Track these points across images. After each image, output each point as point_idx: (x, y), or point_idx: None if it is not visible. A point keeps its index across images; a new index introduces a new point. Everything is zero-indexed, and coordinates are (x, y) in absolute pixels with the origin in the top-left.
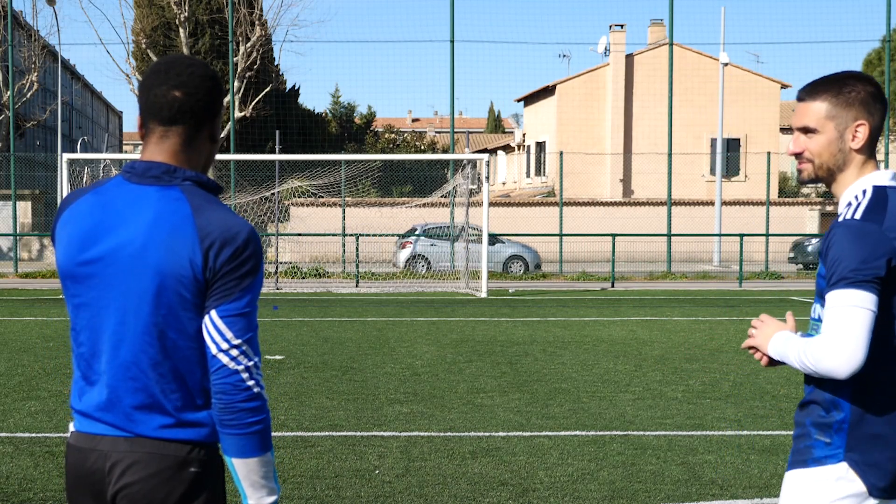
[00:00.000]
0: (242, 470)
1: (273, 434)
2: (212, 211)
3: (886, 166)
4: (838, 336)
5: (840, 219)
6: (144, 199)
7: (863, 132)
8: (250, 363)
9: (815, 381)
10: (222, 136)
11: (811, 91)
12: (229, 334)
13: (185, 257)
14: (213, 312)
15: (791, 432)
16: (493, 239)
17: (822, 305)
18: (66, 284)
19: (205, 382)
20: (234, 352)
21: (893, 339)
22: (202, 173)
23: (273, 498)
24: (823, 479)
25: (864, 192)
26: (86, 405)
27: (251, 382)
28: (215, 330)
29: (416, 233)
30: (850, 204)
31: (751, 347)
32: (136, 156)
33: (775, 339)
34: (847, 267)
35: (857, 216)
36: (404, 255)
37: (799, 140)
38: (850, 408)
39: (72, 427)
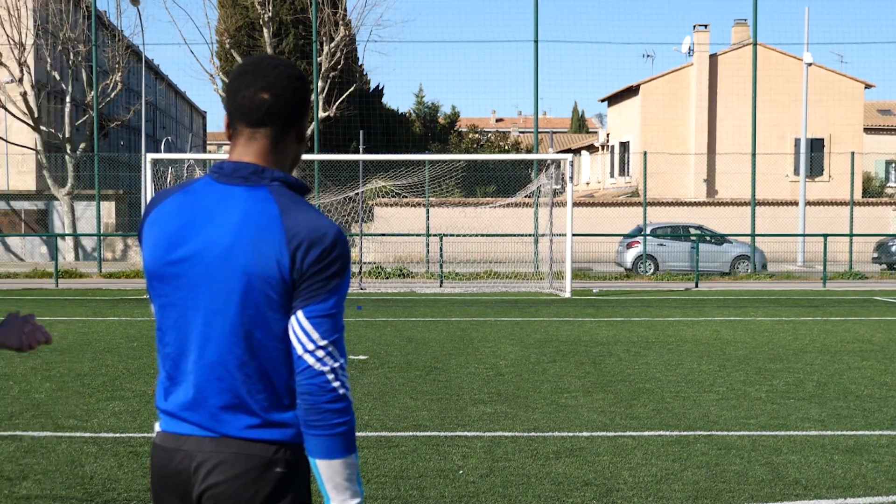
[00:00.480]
0: (326, 472)
1: (357, 434)
2: (299, 211)
3: None
4: None
5: None
6: (232, 200)
7: None
8: (336, 364)
9: None
10: (307, 135)
11: None
12: (315, 335)
13: (273, 258)
14: (300, 313)
15: (875, 432)
16: (721, 239)
17: None
18: (153, 284)
19: (291, 383)
20: (320, 353)
21: None
22: (290, 173)
23: (356, 500)
24: None
25: None
26: (171, 405)
27: (336, 384)
28: (301, 331)
29: (643, 232)
30: None
31: None
32: (220, 156)
33: None
34: None
35: None
36: (631, 255)
37: None
38: None
39: (157, 427)
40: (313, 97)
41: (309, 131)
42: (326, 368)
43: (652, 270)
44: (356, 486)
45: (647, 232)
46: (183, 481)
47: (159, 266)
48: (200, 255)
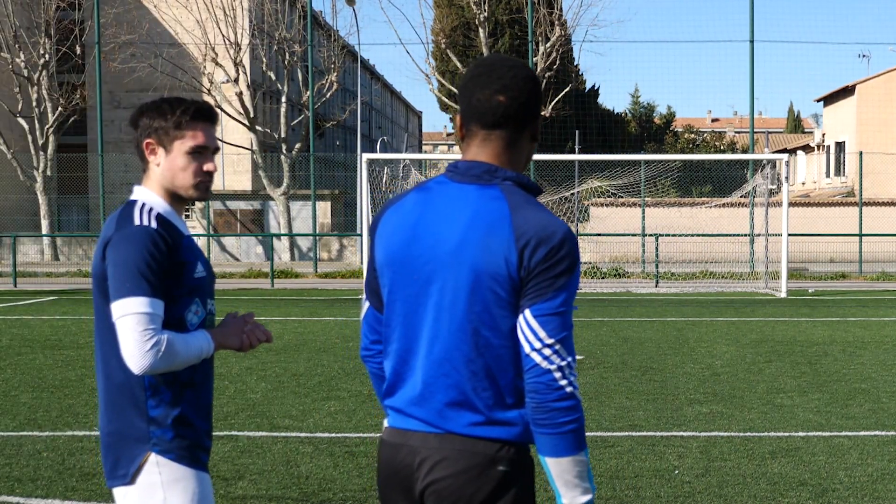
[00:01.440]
0: (556, 469)
1: None
2: (529, 210)
3: None
4: None
5: None
6: (464, 198)
7: None
8: (563, 363)
9: None
10: None
11: None
12: (542, 333)
13: (501, 255)
14: (528, 311)
15: None
16: None
17: None
18: (384, 278)
19: (517, 382)
20: (547, 351)
21: None
22: (522, 172)
23: (587, 497)
24: None
25: None
26: (398, 400)
27: (564, 382)
28: (529, 329)
29: None
30: None
31: None
32: (435, 156)
33: None
34: None
35: None
36: None
37: None
38: None
39: (385, 423)
40: None
41: None
42: (553, 367)
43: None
44: (586, 482)
45: None
46: (406, 476)
47: (392, 261)
48: (431, 252)
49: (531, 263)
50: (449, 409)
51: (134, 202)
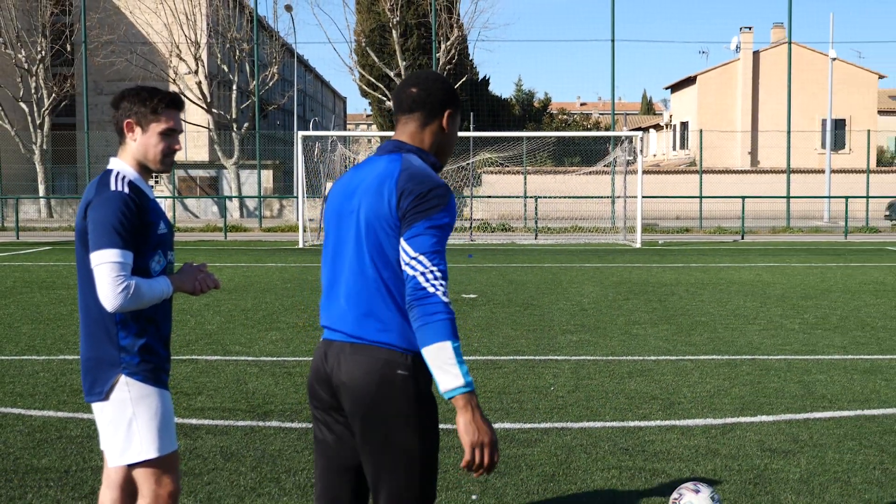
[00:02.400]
0: (429, 357)
1: (467, 358)
2: (415, 170)
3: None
4: None
5: None
6: (376, 165)
7: None
8: (425, 269)
9: None
10: None
11: None
12: (410, 250)
13: (385, 201)
14: (402, 239)
15: (887, 356)
16: None
17: None
18: (327, 230)
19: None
20: (413, 262)
21: None
22: (430, 153)
23: (460, 381)
24: None
25: None
26: (327, 319)
27: (426, 283)
28: (402, 250)
29: None
30: None
31: None
32: (359, 133)
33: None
34: None
35: None
36: None
37: None
38: None
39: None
40: None
41: None
42: (417, 272)
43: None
44: (458, 369)
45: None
46: (326, 374)
47: (328, 213)
48: (347, 204)
49: (405, 205)
50: (359, 320)
51: (110, 171)
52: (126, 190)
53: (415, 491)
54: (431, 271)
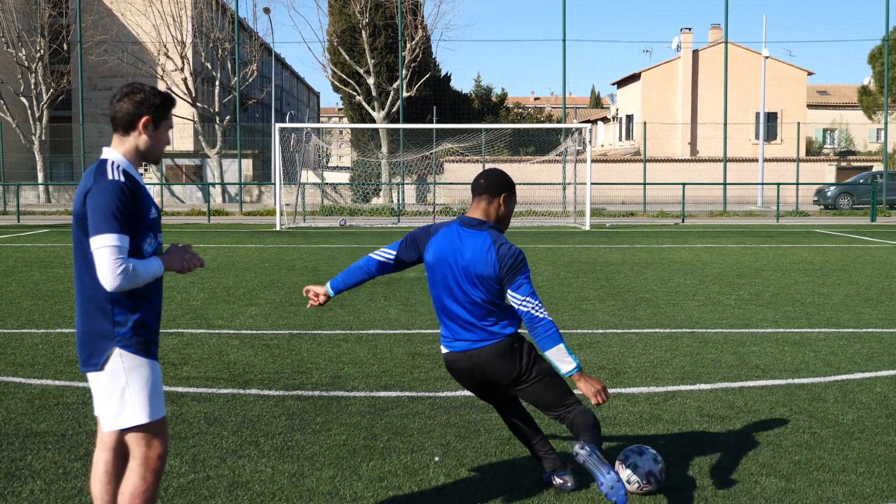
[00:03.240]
0: (552, 355)
1: (430, 331)
2: (504, 243)
3: (885, 142)
4: None
5: None
6: (472, 237)
7: None
8: (531, 305)
9: None
10: (394, 110)
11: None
12: (518, 296)
13: (491, 266)
14: (509, 290)
15: (815, 330)
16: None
17: None
18: (436, 276)
19: (508, 313)
20: (524, 302)
21: None
22: (498, 223)
23: (572, 366)
24: None
25: None
26: (449, 340)
27: (535, 312)
28: (511, 297)
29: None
30: None
31: None
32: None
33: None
34: None
35: None
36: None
37: None
38: None
39: (444, 349)
40: (399, 81)
41: (395, 107)
42: (528, 308)
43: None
44: (570, 358)
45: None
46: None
47: (438, 265)
48: (457, 261)
49: (506, 267)
50: (466, 332)
51: (106, 160)
52: (122, 178)
53: None
54: (534, 306)
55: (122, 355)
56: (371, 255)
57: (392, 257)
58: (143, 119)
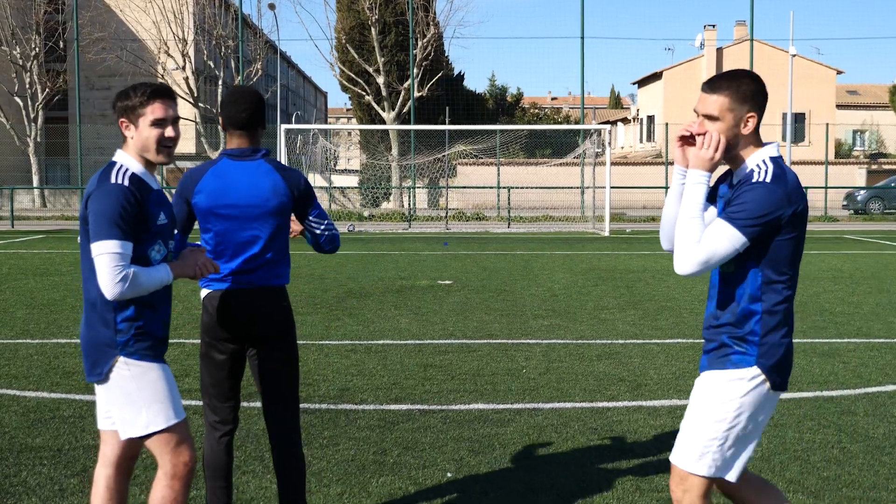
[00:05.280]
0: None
1: (442, 341)
2: None
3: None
4: (706, 246)
5: (754, 180)
6: None
7: (752, 123)
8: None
9: (728, 302)
10: (405, 110)
11: (714, 86)
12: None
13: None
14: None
15: (844, 340)
16: None
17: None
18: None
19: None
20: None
21: (784, 270)
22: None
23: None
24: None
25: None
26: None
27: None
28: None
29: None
30: (755, 170)
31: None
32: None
33: (705, 179)
34: (747, 213)
35: (768, 180)
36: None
37: (703, 124)
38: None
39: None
40: (409, 81)
41: (407, 107)
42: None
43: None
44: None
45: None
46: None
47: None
48: None
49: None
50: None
51: (113, 164)
52: (125, 182)
53: None
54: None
55: (127, 363)
56: None
57: None
58: (120, 122)
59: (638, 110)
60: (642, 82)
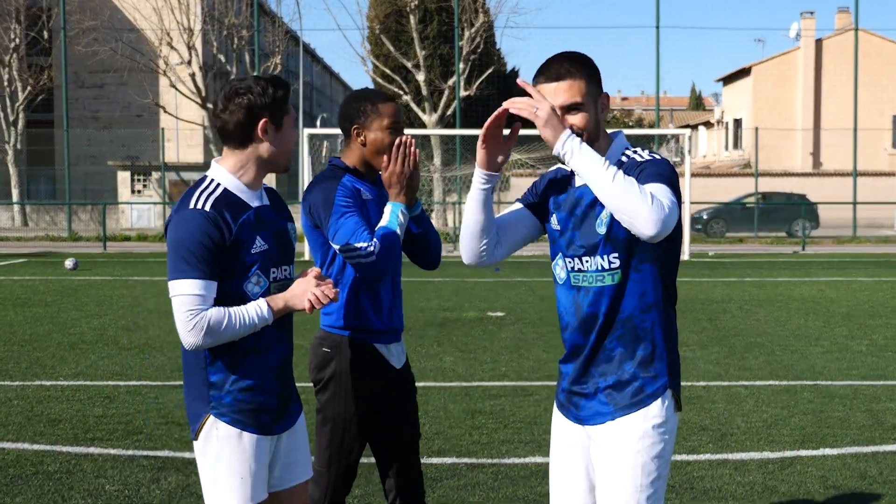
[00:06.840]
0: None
1: (495, 383)
2: None
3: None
4: (669, 205)
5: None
6: None
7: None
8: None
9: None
10: (449, 112)
11: (570, 72)
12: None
13: None
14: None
15: None
16: None
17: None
18: None
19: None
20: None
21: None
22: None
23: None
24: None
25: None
26: None
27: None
28: None
29: None
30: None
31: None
32: None
33: (573, 139)
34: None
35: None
36: None
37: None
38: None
39: None
40: (455, 78)
41: (451, 109)
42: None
43: None
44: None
45: None
46: None
47: None
48: None
49: None
50: None
51: (202, 181)
52: (207, 208)
53: None
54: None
55: (217, 426)
56: None
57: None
58: (261, 122)
59: (723, 112)
60: (728, 79)
